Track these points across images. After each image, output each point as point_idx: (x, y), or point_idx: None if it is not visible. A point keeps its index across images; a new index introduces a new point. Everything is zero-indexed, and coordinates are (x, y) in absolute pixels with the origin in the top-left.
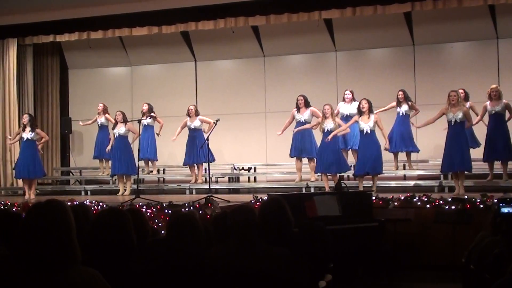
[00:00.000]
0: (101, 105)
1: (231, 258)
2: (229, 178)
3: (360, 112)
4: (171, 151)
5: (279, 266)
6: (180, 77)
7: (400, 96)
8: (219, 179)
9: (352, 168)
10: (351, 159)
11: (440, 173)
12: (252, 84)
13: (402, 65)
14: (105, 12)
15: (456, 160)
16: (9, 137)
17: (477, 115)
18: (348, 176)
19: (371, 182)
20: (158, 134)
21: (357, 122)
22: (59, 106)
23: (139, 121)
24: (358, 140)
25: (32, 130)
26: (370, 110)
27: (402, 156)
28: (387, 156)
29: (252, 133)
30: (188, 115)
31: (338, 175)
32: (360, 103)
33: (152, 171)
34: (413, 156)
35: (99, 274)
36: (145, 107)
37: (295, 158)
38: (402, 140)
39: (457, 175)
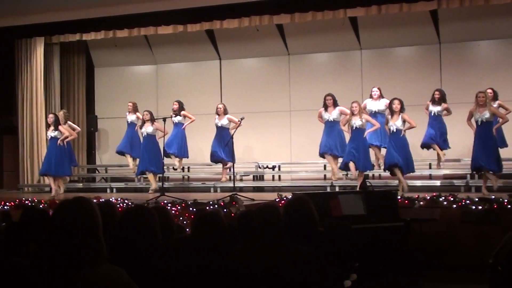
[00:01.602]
0: (130, 104)
1: (256, 257)
2: (253, 176)
3: (391, 112)
4: (198, 149)
5: (304, 265)
6: (205, 75)
7: (437, 95)
8: (243, 178)
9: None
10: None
11: (469, 172)
12: (276, 83)
13: (428, 63)
14: (130, 10)
15: (484, 159)
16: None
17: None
18: (373, 175)
19: (396, 182)
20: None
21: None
22: (85, 104)
23: (165, 119)
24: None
25: (56, 129)
26: (402, 110)
27: (430, 155)
28: (416, 155)
29: (277, 131)
30: (217, 113)
31: (363, 174)
32: (392, 103)
33: (176, 169)
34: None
35: (125, 272)
36: (175, 105)
37: (325, 155)
38: (436, 135)
39: (485, 175)
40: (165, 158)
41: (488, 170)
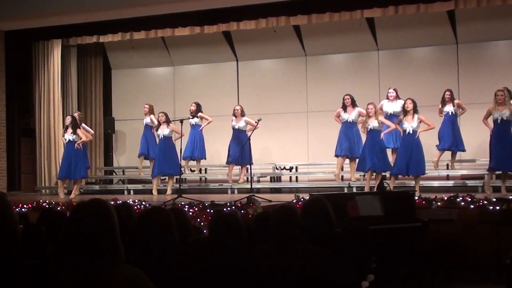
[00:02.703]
0: (146, 106)
1: (273, 258)
2: (270, 177)
3: (404, 112)
4: (215, 150)
5: (321, 266)
6: (222, 76)
7: (447, 96)
8: (260, 179)
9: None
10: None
11: (486, 172)
12: (293, 84)
13: (445, 64)
14: (147, 12)
15: (502, 159)
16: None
17: None
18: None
19: (413, 182)
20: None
21: (401, 121)
22: (102, 106)
23: (182, 121)
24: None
25: (74, 132)
26: (415, 110)
27: (445, 156)
28: (429, 155)
29: (294, 132)
30: (234, 115)
31: (381, 175)
32: (405, 103)
33: (194, 170)
34: (458, 155)
35: (143, 273)
36: (193, 107)
37: (339, 156)
38: (453, 139)
39: (503, 174)
40: (186, 160)
41: (506, 171)
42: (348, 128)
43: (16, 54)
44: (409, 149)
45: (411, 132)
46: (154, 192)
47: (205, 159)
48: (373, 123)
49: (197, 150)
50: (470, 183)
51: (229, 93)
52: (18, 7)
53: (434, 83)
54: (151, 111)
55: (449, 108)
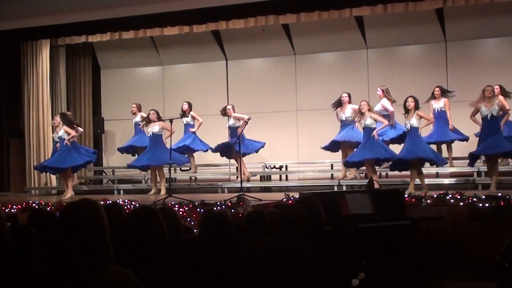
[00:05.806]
0: (134, 105)
1: (266, 255)
2: (260, 176)
3: (406, 110)
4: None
5: (314, 263)
6: (212, 76)
7: (437, 92)
8: (250, 178)
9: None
10: None
11: (476, 169)
12: (283, 83)
13: (434, 62)
14: (136, 12)
15: (488, 144)
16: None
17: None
18: (380, 173)
19: (407, 179)
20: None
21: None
22: (91, 106)
23: (171, 120)
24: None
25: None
26: (416, 107)
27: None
28: None
29: (284, 131)
30: (227, 115)
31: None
32: (406, 101)
33: (189, 169)
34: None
35: (132, 274)
36: (185, 106)
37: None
38: (443, 130)
39: (491, 165)
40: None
41: (502, 152)
42: (346, 126)
43: (4, 54)
44: (415, 145)
45: (409, 128)
46: (153, 191)
47: (210, 149)
48: (366, 121)
49: (199, 144)
50: (460, 180)
51: (218, 93)
52: (6, 7)
53: (423, 81)
54: (139, 110)
55: (436, 105)
